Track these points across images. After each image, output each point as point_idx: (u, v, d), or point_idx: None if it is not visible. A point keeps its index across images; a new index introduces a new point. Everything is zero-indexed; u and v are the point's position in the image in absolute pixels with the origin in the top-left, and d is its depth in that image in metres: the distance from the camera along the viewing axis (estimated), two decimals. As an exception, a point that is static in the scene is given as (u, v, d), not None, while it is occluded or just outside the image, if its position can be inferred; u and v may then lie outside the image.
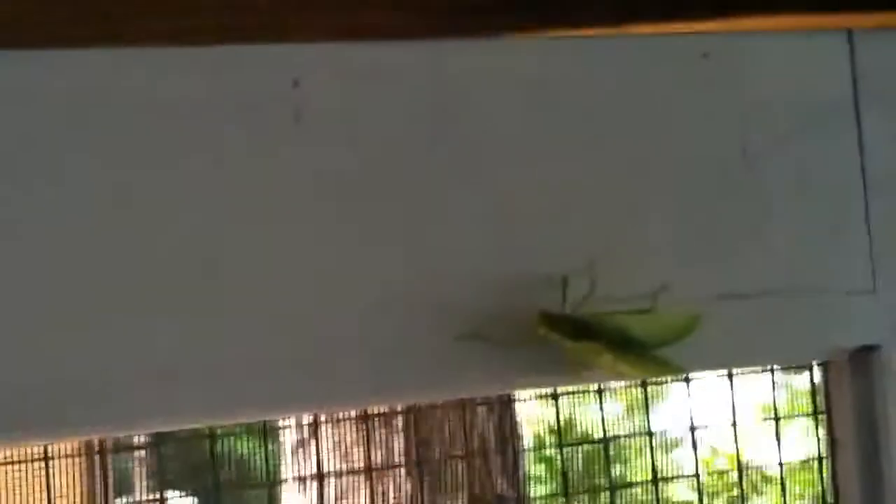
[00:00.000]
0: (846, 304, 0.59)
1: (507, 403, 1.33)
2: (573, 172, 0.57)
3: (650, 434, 0.94)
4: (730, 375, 0.77)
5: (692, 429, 1.04)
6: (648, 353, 0.54)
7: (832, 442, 0.62)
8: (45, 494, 0.71)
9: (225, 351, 0.52)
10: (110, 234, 0.52)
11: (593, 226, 0.57)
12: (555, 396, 1.16)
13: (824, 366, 0.64)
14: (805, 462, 0.87)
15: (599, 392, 1.08)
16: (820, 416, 0.73)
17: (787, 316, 0.59)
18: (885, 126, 0.61)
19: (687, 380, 0.77)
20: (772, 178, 0.59)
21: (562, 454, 1.21)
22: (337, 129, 0.55)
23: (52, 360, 0.50)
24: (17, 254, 0.51)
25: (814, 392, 0.73)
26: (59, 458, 0.73)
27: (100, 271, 0.51)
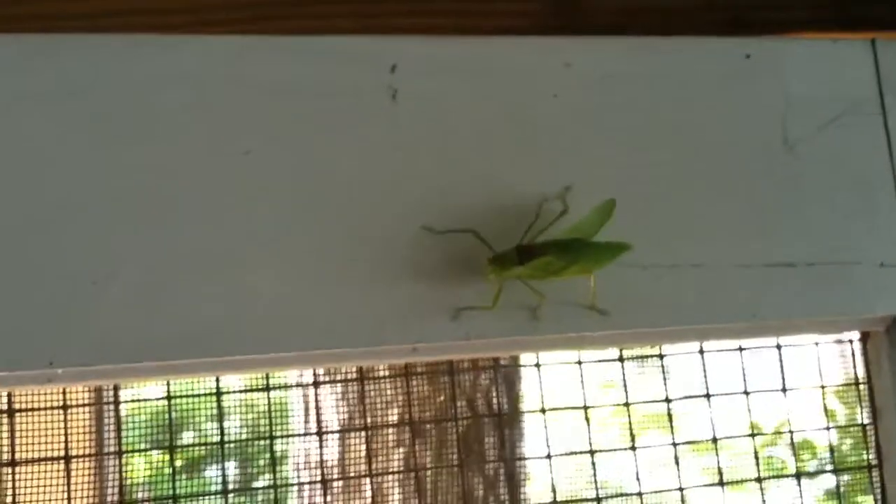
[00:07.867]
0: (880, 275, 0.65)
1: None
2: (631, 157, 0.63)
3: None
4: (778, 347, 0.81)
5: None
6: (595, 244, 0.58)
7: (873, 410, 0.67)
8: (63, 443, 0.72)
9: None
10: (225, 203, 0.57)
11: (648, 200, 0.62)
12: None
13: (864, 337, 0.69)
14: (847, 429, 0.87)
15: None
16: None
17: (824, 286, 0.64)
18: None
19: (701, 351, 0.79)
20: (810, 163, 0.66)
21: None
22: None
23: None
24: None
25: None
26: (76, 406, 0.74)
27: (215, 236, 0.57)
